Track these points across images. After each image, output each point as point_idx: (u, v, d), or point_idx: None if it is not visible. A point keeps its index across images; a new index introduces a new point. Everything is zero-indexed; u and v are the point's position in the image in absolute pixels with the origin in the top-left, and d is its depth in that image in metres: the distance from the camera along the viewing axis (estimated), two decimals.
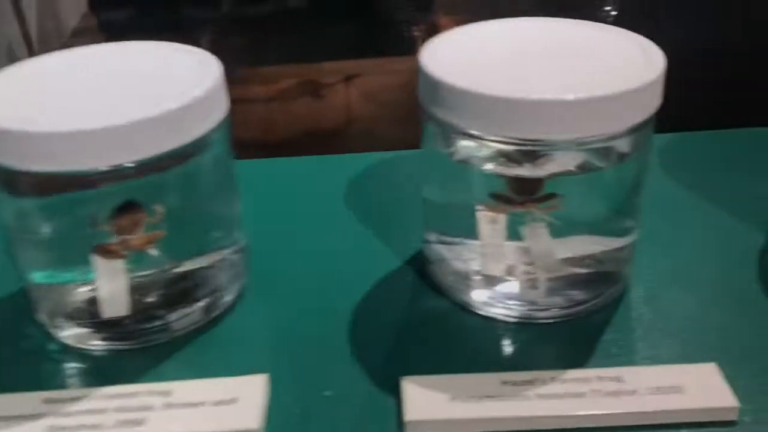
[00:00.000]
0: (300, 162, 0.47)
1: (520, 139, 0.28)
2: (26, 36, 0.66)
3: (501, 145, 0.29)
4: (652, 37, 0.31)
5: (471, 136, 0.29)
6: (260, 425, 0.28)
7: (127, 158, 0.28)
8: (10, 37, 0.64)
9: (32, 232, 0.31)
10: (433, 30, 0.55)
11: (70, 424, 0.28)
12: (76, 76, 0.31)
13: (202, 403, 0.28)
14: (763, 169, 0.43)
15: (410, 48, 0.66)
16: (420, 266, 0.36)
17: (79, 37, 0.72)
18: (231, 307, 0.34)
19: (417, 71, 0.30)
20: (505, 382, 0.29)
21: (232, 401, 0.28)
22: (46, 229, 0.30)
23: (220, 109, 0.31)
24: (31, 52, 0.66)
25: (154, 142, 0.28)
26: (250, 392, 0.29)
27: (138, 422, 0.28)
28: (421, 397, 0.28)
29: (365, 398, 0.29)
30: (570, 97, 0.27)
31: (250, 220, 0.38)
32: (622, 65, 0.29)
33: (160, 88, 0.30)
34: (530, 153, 0.29)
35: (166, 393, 0.29)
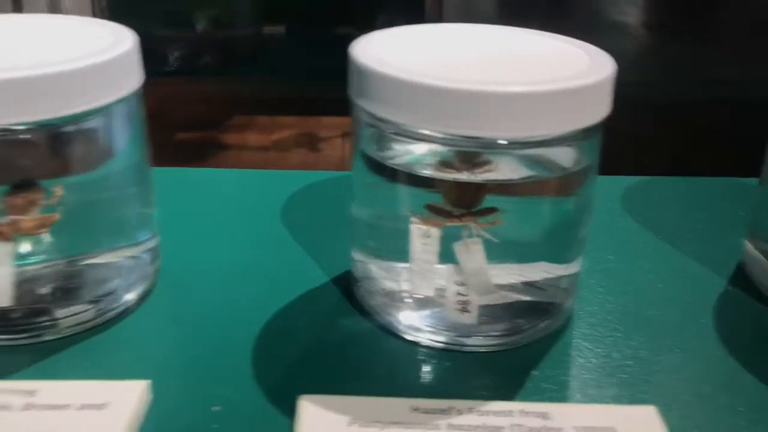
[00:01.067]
0: (243, 174, 0.44)
1: (455, 135, 0.26)
2: None
3: (437, 145, 0.26)
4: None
5: (405, 135, 0.27)
6: None
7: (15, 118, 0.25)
8: None
9: None
10: None
11: None
12: None
13: (66, 406, 0.25)
14: (727, 217, 0.40)
15: None
16: (347, 286, 0.33)
17: None
18: (130, 310, 0.31)
19: None
20: (415, 409, 0.25)
21: (101, 406, 0.25)
22: None
23: (123, 83, 0.28)
24: None
25: (42, 104, 0.25)
26: (124, 399, 0.25)
27: None
28: (317, 418, 0.25)
29: (258, 416, 0.26)
30: (508, 89, 0.25)
31: (180, 226, 0.37)
32: (567, 68, 0.27)
33: (63, 52, 0.27)
34: (468, 157, 0.27)
35: (30, 393, 0.25)
